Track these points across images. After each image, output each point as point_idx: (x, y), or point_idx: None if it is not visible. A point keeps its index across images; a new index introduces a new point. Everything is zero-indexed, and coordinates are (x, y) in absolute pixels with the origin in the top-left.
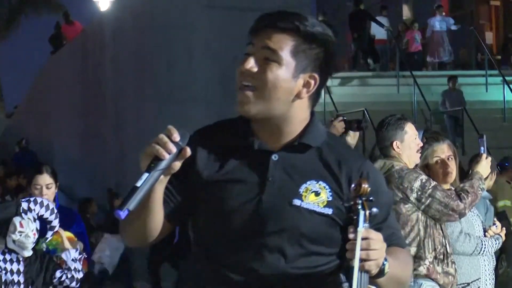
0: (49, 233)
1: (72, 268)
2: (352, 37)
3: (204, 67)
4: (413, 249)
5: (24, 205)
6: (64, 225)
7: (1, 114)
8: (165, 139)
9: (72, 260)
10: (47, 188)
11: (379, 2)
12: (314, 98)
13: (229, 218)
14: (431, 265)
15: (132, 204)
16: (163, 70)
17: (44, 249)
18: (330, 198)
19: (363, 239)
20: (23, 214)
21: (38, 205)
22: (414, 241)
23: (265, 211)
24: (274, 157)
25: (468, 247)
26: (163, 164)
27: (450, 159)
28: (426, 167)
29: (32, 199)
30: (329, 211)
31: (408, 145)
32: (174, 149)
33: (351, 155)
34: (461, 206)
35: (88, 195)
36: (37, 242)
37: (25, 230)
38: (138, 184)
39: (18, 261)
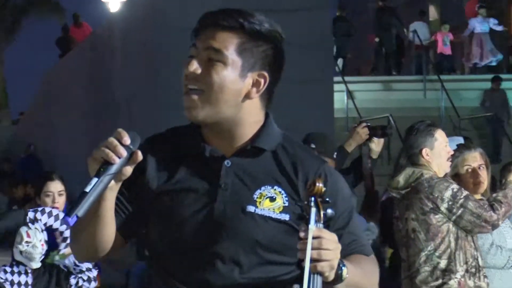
0: (63, 245)
1: (84, 269)
2: (376, 37)
3: None
4: (443, 262)
5: (31, 214)
6: None
7: (7, 122)
8: (115, 142)
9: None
10: (59, 195)
11: (404, 3)
12: (266, 98)
13: (180, 228)
14: (462, 279)
15: (81, 210)
16: (175, 74)
17: (57, 263)
18: (287, 204)
19: (314, 238)
20: (29, 224)
21: (46, 215)
22: (445, 254)
23: (217, 219)
24: (227, 163)
25: (499, 260)
26: (113, 169)
27: (481, 168)
28: (456, 176)
29: (39, 209)
30: (285, 217)
31: (438, 152)
32: (124, 153)
33: (308, 158)
34: (494, 217)
35: None
36: (47, 255)
37: (32, 240)
38: (87, 189)
39: (26, 273)
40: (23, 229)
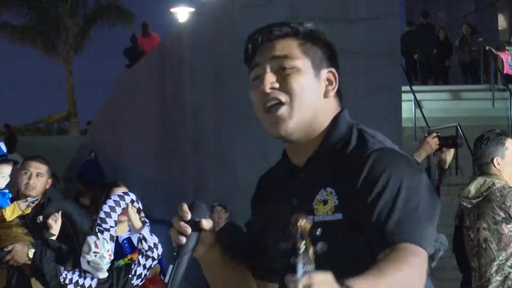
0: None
1: (147, 248)
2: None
3: None
4: None
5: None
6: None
7: (76, 131)
8: (177, 223)
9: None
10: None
11: (473, 12)
12: (339, 95)
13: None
14: None
15: None
16: (243, 84)
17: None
18: (337, 202)
19: None
20: (98, 234)
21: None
22: None
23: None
24: (301, 175)
25: None
26: (186, 248)
27: None
28: None
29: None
30: (339, 216)
31: (509, 161)
32: (188, 230)
33: (364, 145)
34: None
35: (164, 216)
36: (112, 264)
37: (100, 251)
38: (166, 279)
39: (91, 278)
40: (91, 239)
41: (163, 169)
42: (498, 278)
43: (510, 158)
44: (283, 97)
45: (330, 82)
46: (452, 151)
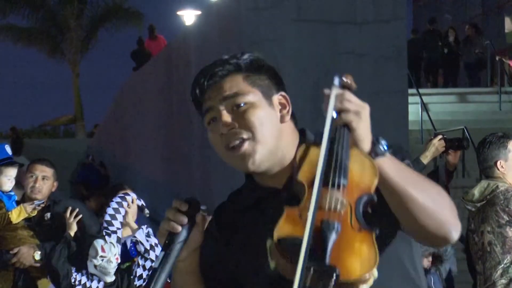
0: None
1: (143, 250)
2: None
3: (293, 83)
4: None
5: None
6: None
7: (82, 134)
8: (172, 211)
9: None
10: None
11: (479, 14)
12: (294, 116)
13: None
14: None
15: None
16: None
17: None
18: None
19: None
20: (106, 237)
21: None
22: None
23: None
24: (285, 195)
25: None
26: (178, 238)
27: None
28: None
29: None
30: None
31: None
32: (184, 219)
33: None
34: None
35: None
36: (119, 267)
37: (107, 255)
38: (155, 264)
39: (98, 281)
40: (98, 243)
41: (170, 171)
42: (503, 281)
43: None
44: (244, 135)
45: (283, 106)
46: (458, 153)
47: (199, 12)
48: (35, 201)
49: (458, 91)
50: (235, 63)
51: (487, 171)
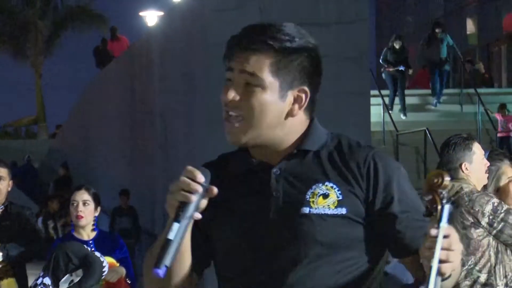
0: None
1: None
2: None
3: None
4: (483, 276)
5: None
6: (106, 251)
7: (45, 135)
8: (188, 181)
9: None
10: (84, 204)
11: (441, 16)
12: (310, 108)
13: (242, 243)
14: None
15: (168, 259)
16: (214, 88)
17: None
18: (341, 197)
19: (444, 237)
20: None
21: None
22: (485, 268)
23: (274, 227)
24: (275, 171)
25: None
26: (191, 209)
27: None
28: (497, 191)
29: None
30: (342, 210)
31: (477, 166)
32: (200, 189)
33: (356, 149)
34: None
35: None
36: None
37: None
38: (170, 236)
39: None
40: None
41: (133, 172)
42: (467, 282)
43: (478, 163)
44: (241, 112)
45: (298, 100)
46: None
47: (161, 13)
48: None
49: (419, 92)
50: (270, 45)
51: (451, 172)
